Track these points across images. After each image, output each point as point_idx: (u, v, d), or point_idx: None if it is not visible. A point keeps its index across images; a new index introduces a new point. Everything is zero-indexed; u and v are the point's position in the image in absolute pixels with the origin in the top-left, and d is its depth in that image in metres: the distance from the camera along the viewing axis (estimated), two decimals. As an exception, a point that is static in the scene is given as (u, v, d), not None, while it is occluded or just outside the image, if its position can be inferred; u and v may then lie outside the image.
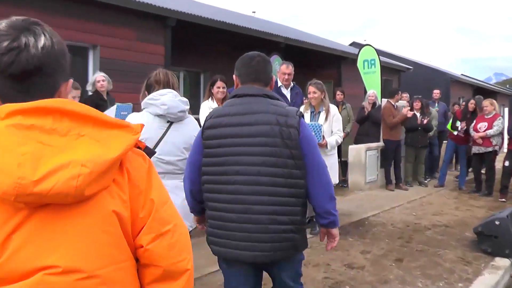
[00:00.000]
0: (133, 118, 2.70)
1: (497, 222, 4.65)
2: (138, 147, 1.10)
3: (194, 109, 5.05)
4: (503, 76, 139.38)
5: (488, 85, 28.91)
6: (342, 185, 8.32)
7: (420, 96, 8.83)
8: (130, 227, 1.01)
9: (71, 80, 1.09)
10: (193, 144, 2.29)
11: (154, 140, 2.61)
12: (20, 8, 6.22)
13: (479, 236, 4.84)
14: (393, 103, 8.40)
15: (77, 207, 0.93)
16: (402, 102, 9.08)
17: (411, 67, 18.72)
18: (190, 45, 10.34)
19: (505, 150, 8.12)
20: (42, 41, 0.97)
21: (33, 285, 0.89)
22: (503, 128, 8.01)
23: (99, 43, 7.50)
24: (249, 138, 2.03)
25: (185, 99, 2.76)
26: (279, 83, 5.53)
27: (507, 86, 48.37)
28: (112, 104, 5.32)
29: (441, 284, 3.90)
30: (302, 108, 5.09)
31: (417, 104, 8.54)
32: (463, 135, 8.42)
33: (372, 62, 9.97)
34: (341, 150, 8.35)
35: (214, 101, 4.98)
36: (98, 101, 5.55)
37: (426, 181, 9.06)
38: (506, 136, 8.33)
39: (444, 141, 9.62)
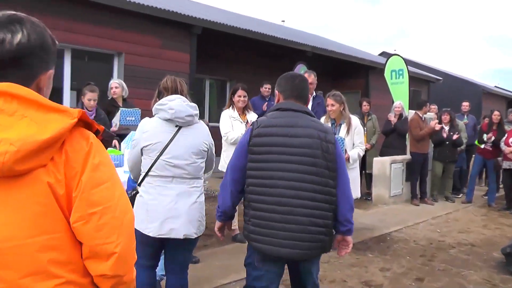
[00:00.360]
0: (143, 123, 2.79)
1: (527, 243, 4.42)
2: (97, 130, 1.19)
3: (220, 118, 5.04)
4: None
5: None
6: (366, 198, 8.11)
7: (449, 109, 8.57)
8: (66, 204, 1.09)
9: (52, 71, 1.20)
10: (237, 150, 2.45)
11: (164, 143, 2.66)
12: (48, 17, 6.39)
13: (507, 257, 4.59)
14: (421, 115, 8.19)
15: (14, 180, 1.03)
16: (430, 114, 8.84)
17: (440, 78, 18.34)
18: (215, 53, 10.40)
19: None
20: (18, 37, 1.09)
21: None
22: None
23: (124, 50, 7.64)
24: (294, 148, 2.29)
25: (194, 104, 2.80)
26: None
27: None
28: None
29: (463, 307, 3.72)
30: (322, 119, 4.94)
31: (446, 118, 8.27)
32: (490, 149, 8.12)
33: (400, 72, 9.72)
34: (366, 162, 8.17)
35: (235, 109, 4.96)
36: (110, 107, 5.64)
37: (457, 197, 8.72)
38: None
39: (473, 155, 9.31)
